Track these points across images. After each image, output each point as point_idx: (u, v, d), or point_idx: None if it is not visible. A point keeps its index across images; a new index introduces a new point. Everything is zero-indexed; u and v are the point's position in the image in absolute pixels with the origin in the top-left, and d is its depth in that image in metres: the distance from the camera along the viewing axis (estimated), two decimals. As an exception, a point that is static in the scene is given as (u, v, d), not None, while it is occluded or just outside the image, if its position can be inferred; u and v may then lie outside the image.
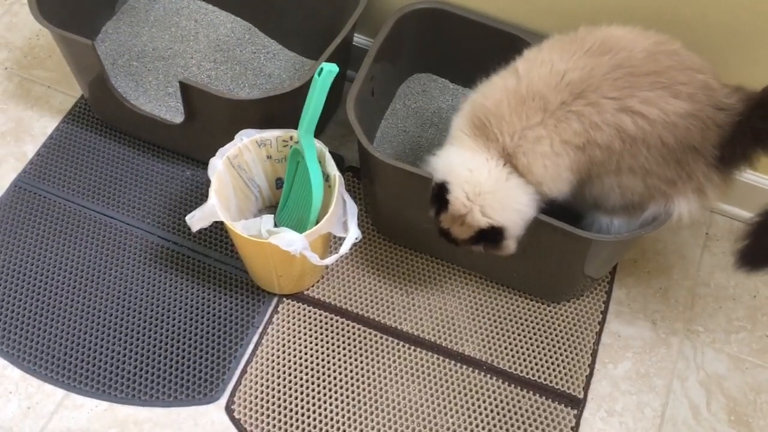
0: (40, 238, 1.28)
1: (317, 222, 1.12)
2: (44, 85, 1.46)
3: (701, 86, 0.99)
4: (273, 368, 1.19)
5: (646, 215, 1.07)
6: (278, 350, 1.20)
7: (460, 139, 1.07)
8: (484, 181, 1.03)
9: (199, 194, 1.34)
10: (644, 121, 0.98)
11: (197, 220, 1.11)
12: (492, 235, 1.05)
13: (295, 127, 1.12)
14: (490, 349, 1.23)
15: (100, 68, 1.21)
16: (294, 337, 1.22)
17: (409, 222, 1.23)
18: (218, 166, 1.13)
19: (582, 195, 1.09)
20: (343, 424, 1.15)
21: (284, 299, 1.25)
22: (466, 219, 1.05)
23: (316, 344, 1.22)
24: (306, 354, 1.20)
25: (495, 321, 1.26)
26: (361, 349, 1.22)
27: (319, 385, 1.18)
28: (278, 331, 1.22)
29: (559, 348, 1.24)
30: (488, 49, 1.15)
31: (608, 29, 1.03)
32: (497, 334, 1.24)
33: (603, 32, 1.03)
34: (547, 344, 1.24)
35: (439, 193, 1.05)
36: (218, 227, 1.29)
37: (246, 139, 1.15)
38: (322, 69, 1.04)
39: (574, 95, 1.00)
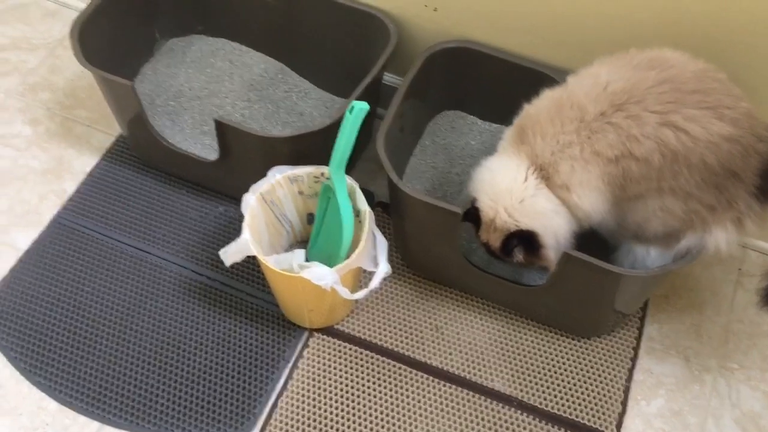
0: (79, 273, 1.32)
1: (348, 257, 1.13)
2: (84, 125, 1.51)
3: (745, 113, 1.00)
4: (304, 402, 1.19)
5: (681, 246, 1.06)
6: (309, 384, 1.21)
7: (500, 147, 1.11)
8: (509, 182, 1.06)
9: (231, 229, 1.37)
10: (687, 138, 0.98)
11: (230, 254, 1.14)
12: (525, 241, 1.06)
13: (327, 164, 1.14)
14: (520, 384, 1.22)
15: (139, 108, 1.26)
16: (324, 371, 1.23)
17: (438, 257, 1.24)
18: (251, 201, 1.15)
19: (623, 221, 1.09)
20: (373, 459, 1.15)
21: (315, 333, 1.26)
22: (496, 223, 1.07)
23: (347, 378, 1.22)
24: (336, 388, 1.21)
25: (525, 356, 1.25)
26: (390, 383, 1.22)
27: (349, 419, 1.18)
28: (309, 365, 1.23)
29: (591, 384, 1.23)
30: (515, 85, 1.17)
31: (659, 50, 1.04)
32: (527, 369, 1.24)
33: (653, 52, 1.04)
34: (579, 380, 1.23)
35: (471, 210, 1.09)
36: (251, 262, 1.32)
37: (278, 176, 1.18)
38: (353, 107, 1.06)
39: (614, 106, 1.00)
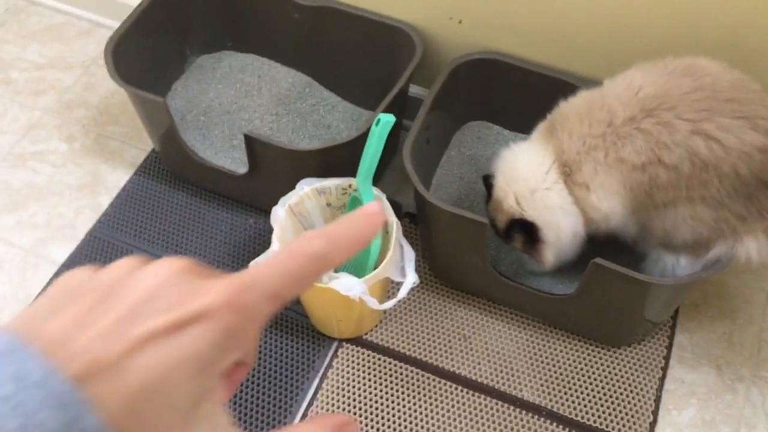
0: (113, 285, 1.35)
1: (375, 267, 1.14)
2: (118, 140, 1.55)
3: None
4: (333, 412, 1.21)
5: (711, 255, 1.06)
6: (338, 394, 1.22)
7: (532, 136, 1.13)
8: (528, 172, 1.08)
9: (261, 241, 1.39)
10: (719, 147, 0.97)
11: (260, 266, 1.15)
12: (526, 230, 1.08)
13: (354, 176, 1.16)
14: (549, 394, 1.22)
15: (171, 123, 1.29)
16: (353, 381, 1.24)
17: (466, 266, 1.25)
18: (280, 214, 1.17)
19: (651, 227, 1.09)
20: (403, 468, 1.16)
21: (344, 344, 1.28)
22: (503, 206, 1.10)
23: (375, 388, 1.23)
24: (365, 398, 1.22)
25: (554, 365, 1.25)
26: (419, 393, 1.23)
27: (378, 429, 1.19)
28: (338, 375, 1.24)
29: (621, 394, 1.22)
30: (541, 95, 1.18)
31: (695, 58, 1.04)
32: (557, 378, 1.24)
33: (689, 60, 1.04)
34: (609, 390, 1.22)
35: (486, 182, 1.14)
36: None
37: (307, 188, 1.20)
38: (379, 119, 1.08)
39: (645, 112, 1.00)
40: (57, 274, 1.36)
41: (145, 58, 1.42)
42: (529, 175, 1.10)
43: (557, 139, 1.08)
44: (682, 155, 0.99)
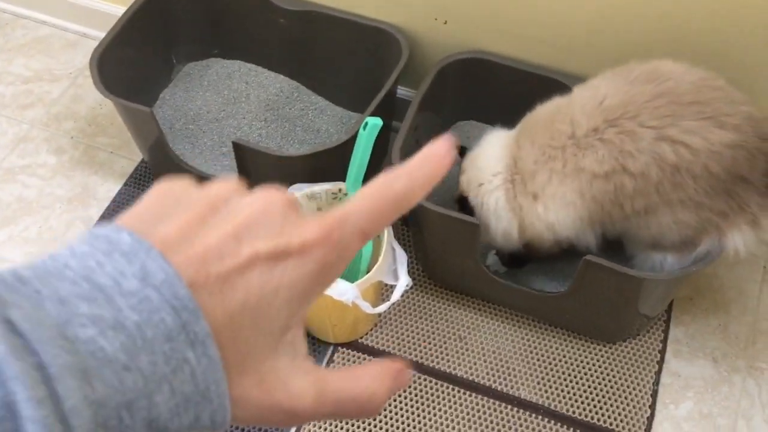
0: (106, 297, 1.34)
1: (368, 271, 1.14)
2: (107, 151, 1.54)
3: (746, 117, 0.99)
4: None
5: (699, 251, 1.06)
6: (335, 399, 1.22)
7: (513, 130, 1.16)
8: (483, 165, 1.15)
9: (254, 248, 1.38)
10: (686, 150, 0.98)
11: (253, 273, 1.15)
12: (469, 210, 1.16)
13: (344, 179, 1.16)
14: (546, 392, 1.22)
15: (159, 133, 1.28)
16: (350, 385, 1.23)
17: (458, 267, 1.25)
18: (271, 220, 1.17)
19: (636, 235, 1.09)
20: (402, 471, 1.16)
21: (339, 348, 1.27)
22: (461, 179, 1.19)
23: (372, 392, 1.23)
24: (362, 402, 1.22)
25: (550, 363, 1.25)
26: (416, 395, 1.22)
27: (376, 433, 1.19)
28: (334, 379, 1.24)
29: (618, 389, 1.22)
30: (529, 93, 1.18)
31: (657, 62, 1.05)
32: (553, 376, 1.24)
33: (652, 64, 1.05)
34: (605, 386, 1.22)
35: (461, 152, 1.22)
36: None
37: (297, 194, 1.19)
38: (366, 123, 1.07)
39: (608, 122, 1.01)
40: (50, 288, 1.35)
41: (131, 67, 1.41)
42: (483, 168, 1.16)
43: (518, 145, 1.11)
44: (648, 162, 1.00)
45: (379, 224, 0.33)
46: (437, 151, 0.34)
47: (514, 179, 1.11)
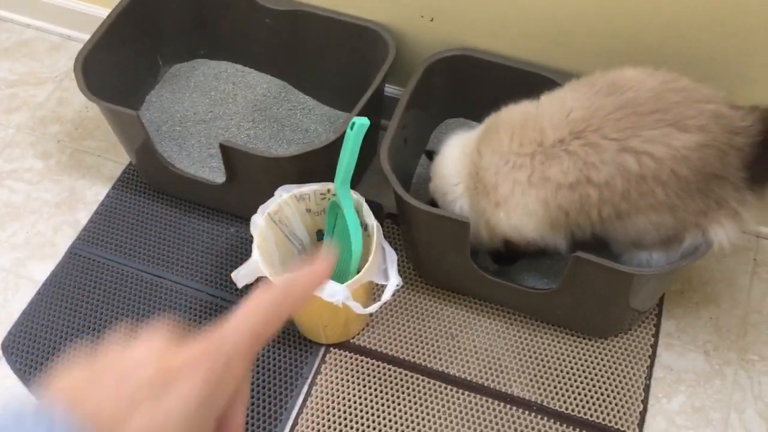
0: (96, 301, 1.33)
1: (358, 271, 1.14)
2: (94, 155, 1.53)
3: (711, 116, 0.99)
4: (324, 419, 1.20)
5: (685, 246, 1.06)
6: (328, 400, 1.22)
7: (474, 132, 1.18)
8: (445, 173, 1.18)
9: (243, 250, 1.38)
10: (650, 159, 0.99)
11: (242, 276, 1.15)
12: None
13: (333, 179, 1.15)
14: (539, 388, 1.22)
15: (145, 136, 1.27)
16: (343, 386, 1.23)
17: (449, 265, 1.25)
18: (260, 222, 1.16)
19: (617, 238, 1.10)
20: (396, 471, 1.15)
21: (331, 349, 1.27)
22: (430, 183, 1.23)
23: (365, 392, 1.23)
24: (355, 402, 1.22)
25: (542, 360, 1.25)
26: (409, 394, 1.22)
27: (369, 433, 1.19)
28: (327, 380, 1.24)
29: (610, 384, 1.22)
30: (516, 89, 1.17)
31: (620, 71, 1.06)
32: (546, 373, 1.24)
33: (614, 74, 1.06)
34: (598, 381, 1.22)
35: (429, 155, 1.26)
36: (263, 281, 1.32)
37: (285, 195, 1.19)
38: (353, 123, 1.07)
39: (573, 134, 1.02)
40: (39, 293, 1.34)
41: (116, 70, 1.40)
42: (445, 176, 1.18)
43: (479, 153, 1.12)
44: (613, 173, 1.01)
45: (257, 342, 0.36)
46: (314, 271, 0.40)
47: (477, 187, 1.12)
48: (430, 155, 1.24)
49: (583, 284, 1.13)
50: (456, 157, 1.17)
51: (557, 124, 1.04)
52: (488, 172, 1.09)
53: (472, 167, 1.13)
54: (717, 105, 1.00)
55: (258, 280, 1.16)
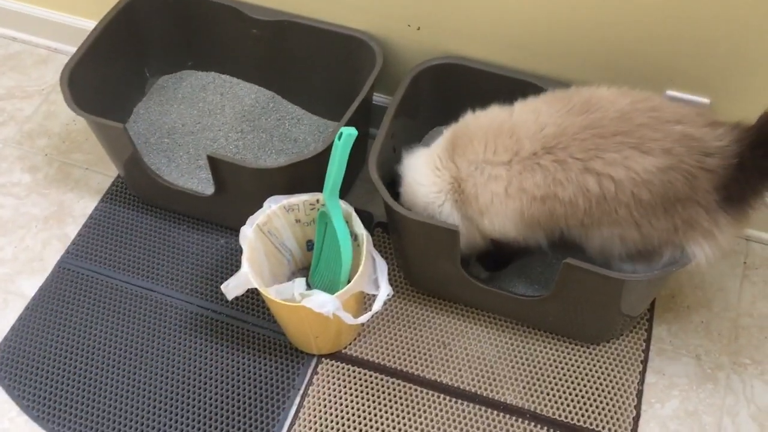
0: (86, 315, 1.33)
1: (349, 281, 1.13)
2: (82, 168, 1.53)
3: (679, 138, 0.99)
4: (317, 430, 1.19)
5: (665, 260, 1.06)
6: (320, 411, 1.21)
7: (436, 149, 1.16)
8: (424, 199, 1.14)
9: (234, 261, 1.37)
10: (610, 182, 1.00)
11: (232, 288, 1.14)
12: None
13: (322, 189, 1.15)
14: (532, 396, 1.22)
15: (133, 149, 1.27)
16: (335, 396, 1.23)
17: (440, 273, 1.24)
18: (249, 233, 1.16)
19: (583, 245, 1.10)
20: (389, 482, 1.15)
21: (323, 359, 1.26)
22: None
23: (357, 402, 1.22)
24: (348, 412, 1.21)
25: (535, 367, 1.25)
26: (402, 404, 1.22)
27: (362, 444, 1.18)
28: (319, 391, 1.23)
29: (603, 390, 1.22)
30: (503, 96, 1.17)
31: (595, 89, 1.07)
32: (538, 380, 1.23)
33: (588, 92, 1.07)
34: (590, 387, 1.22)
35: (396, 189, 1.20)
36: (254, 292, 1.32)
37: (274, 206, 1.18)
38: (341, 133, 1.07)
39: (545, 149, 1.03)
40: (28, 308, 1.33)
41: (103, 82, 1.40)
42: (426, 195, 1.14)
43: (454, 164, 1.12)
44: (576, 192, 1.02)
45: None
46: None
47: (460, 198, 1.12)
48: (394, 184, 1.21)
49: (574, 291, 1.13)
50: (428, 175, 1.14)
51: (532, 137, 1.05)
52: (468, 183, 1.10)
53: (452, 180, 1.12)
54: (687, 126, 1.00)
55: (248, 290, 1.15)
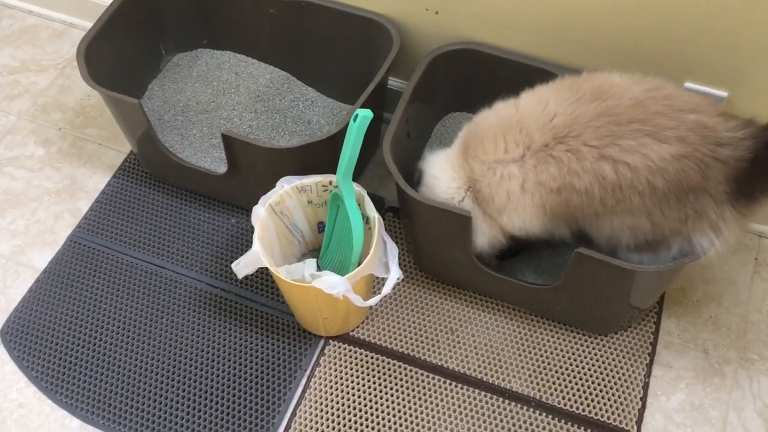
0: (96, 290, 1.33)
1: (359, 264, 1.14)
2: (96, 143, 1.53)
3: (693, 127, 0.98)
4: (322, 411, 1.20)
5: (673, 252, 1.06)
6: (326, 392, 1.22)
7: (454, 149, 1.16)
8: (445, 188, 1.14)
9: (244, 241, 1.38)
10: (626, 169, 0.99)
11: (242, 266, 1.14)
12: None
13: (335, 171, 1.15)
14: (538, 384, 1.22)
15: (147, 125, 1.27)
16: (341, 378, 1.23)
17: (450, 259, 1.24)
18: (261, 213, 1.16)
19: (592, 235, 1.10)
20: (393, 464, 1.15)
21: (330, 341, 1.27)
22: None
23: (364, 385, 1.22)
24: (354, 395, 1.21)
25: (542, 356, 1.25)
26: (408, 388, 1.22)
27: (367, 426, 1.18)
28: (326, 373, 1.24)
29: (610, 381, 1.22)
30: (519, 83, 1.17)
31: (607, 75, 1.06)
32: (545, 369, 1.23)
33: (600, 79, 1.06)
34: (597, 378, 1.22)
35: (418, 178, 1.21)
36: (264, 272, 1.32)
37: (287, 186, 1.18)
38: (356, 115, 1.06)
39: (557, 139, 1.03)
40: (38, 281, 1.34)
41: (119, 58, 1.39)
42: (446, 191, 1.15)
43: (469, 165, 1.12)
44: (591, 180, 1.02)
45: None
46: None
47: (478, 198, 1.12)
48: (418, 178, 1.22)
49: (584, 280, 1.13)
50: (447, 171, 1.15)
51: (542, 127, 1.04)
52: (482, 184, 1.10)
53: (468, 181, 1.12)
54: (700, 115, 0.99)
55: (259, 270, 1.16)
